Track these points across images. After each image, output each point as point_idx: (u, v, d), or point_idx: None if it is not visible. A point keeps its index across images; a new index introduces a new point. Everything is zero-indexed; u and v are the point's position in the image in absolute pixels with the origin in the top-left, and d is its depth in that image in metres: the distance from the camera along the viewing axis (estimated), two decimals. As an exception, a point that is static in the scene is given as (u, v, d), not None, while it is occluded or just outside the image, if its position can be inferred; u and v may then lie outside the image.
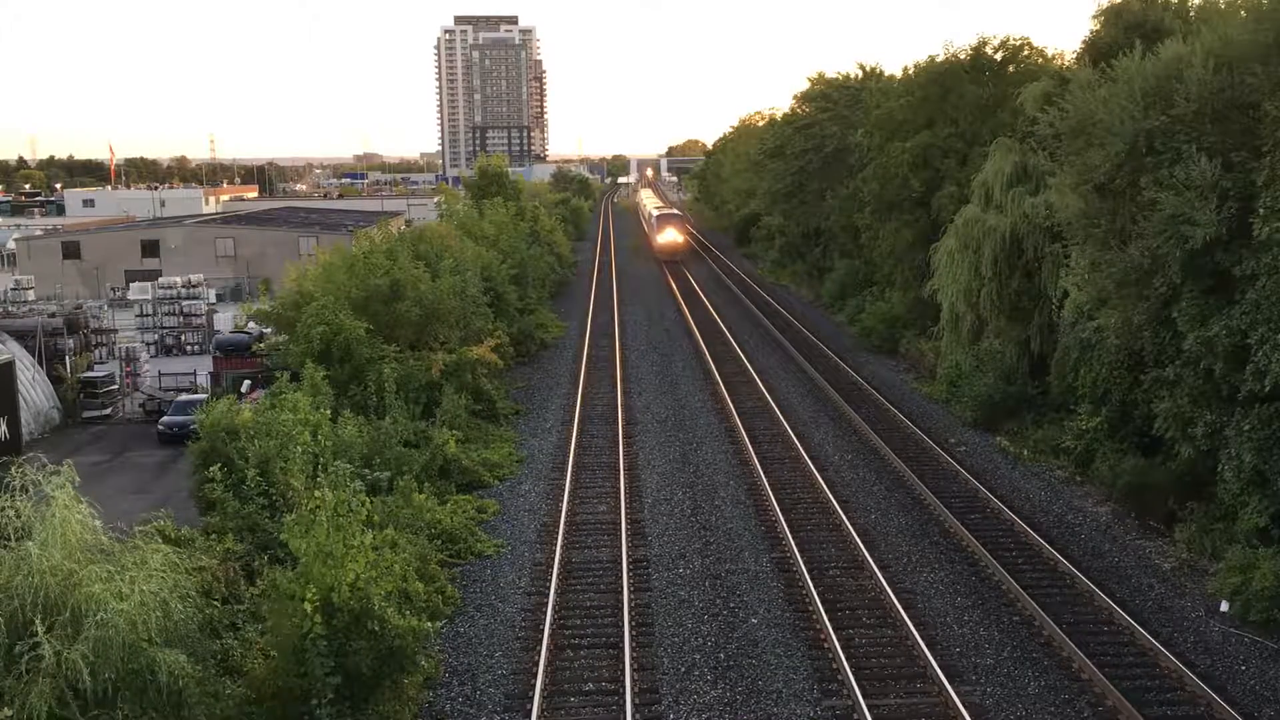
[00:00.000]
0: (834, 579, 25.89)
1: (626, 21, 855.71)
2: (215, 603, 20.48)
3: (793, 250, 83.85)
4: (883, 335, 54.27)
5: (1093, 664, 21.07)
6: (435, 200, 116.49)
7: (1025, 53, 49.69)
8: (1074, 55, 42.95)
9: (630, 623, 23.36)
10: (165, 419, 40.25)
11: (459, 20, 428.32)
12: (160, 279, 64.84)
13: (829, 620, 23.21)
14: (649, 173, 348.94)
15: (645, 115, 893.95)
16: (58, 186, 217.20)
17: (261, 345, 41.61)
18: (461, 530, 28.57)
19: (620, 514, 30.36)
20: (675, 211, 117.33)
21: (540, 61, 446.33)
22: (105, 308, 59.33)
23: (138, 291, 63.18)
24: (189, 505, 26.56)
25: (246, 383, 38.81)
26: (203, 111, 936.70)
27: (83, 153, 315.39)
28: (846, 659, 21.48)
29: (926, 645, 22.02)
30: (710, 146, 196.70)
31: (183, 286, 61.35)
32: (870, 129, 57.48)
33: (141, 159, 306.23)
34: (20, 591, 15.42)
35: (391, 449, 31.14)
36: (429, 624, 20.42)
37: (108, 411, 44.15)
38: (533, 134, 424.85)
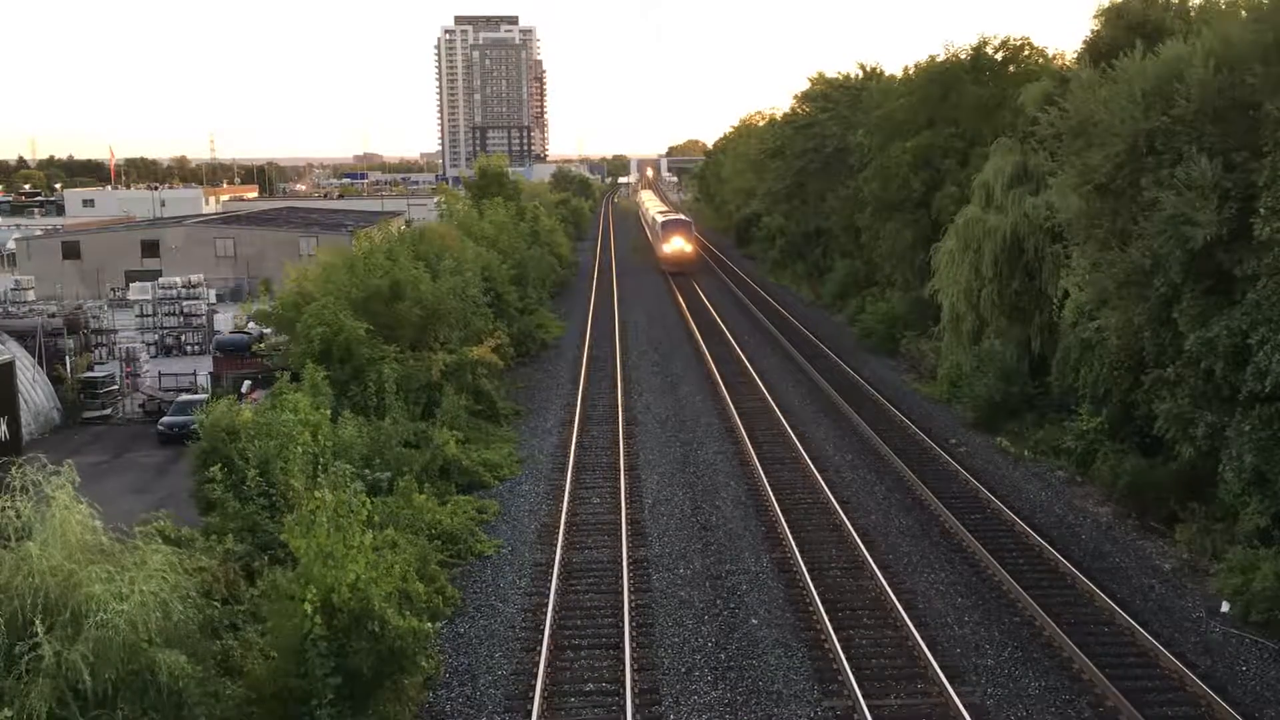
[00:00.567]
0: (834, 579, 25.87)
1: (627, 22, 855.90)
2: (215, 603, 20.43)
3: (793, 250, 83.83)
4: (883, 335, 54.24)
5: (1093, 664, 21.06)
6: (435, 200, 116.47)
7: (1026, 53, 49.72)
8: (1074, 55, 42.92)
9: (630, 623, 23.34)
10: (165, 419, 40.26)
11: (459, 20, 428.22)
12: (160, 279, 64.84)
13: (829, 621, 23.19)
14: (649, 173, 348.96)
15: (645, 115, 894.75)
16: (57, 186, 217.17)
17: (261, 345, 41.59)
18: (462, 531, 28.55)
19: (620, 514, 30.35)
20: (682, 217, 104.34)
21: (540, 61, 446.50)
22: (105, 308, 59.32)
23: (138, 292, 63.21)
24: (189, 505, 26.52)
25: (247, 383, 38.81)
26: (203, 111, 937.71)
27: (83, 153, 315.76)
28: (847, 659, 21.46)
29: (927, 646, 22.00)
30: (710, 146, 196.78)
31: (183, 287, 61.36)
32: (870, 129, 57.52)
33: (141, 159, 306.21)
34: (20, 592, 15.39)
35: (392, 449, 31.12)
36: (429, 625, 20.39)
37: (108, 412, 44.15)
38: (533, 134, 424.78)
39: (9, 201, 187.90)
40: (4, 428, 35.22)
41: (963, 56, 50.27)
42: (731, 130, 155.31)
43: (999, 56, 49.98)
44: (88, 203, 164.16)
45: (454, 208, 77.54)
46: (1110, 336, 30.12)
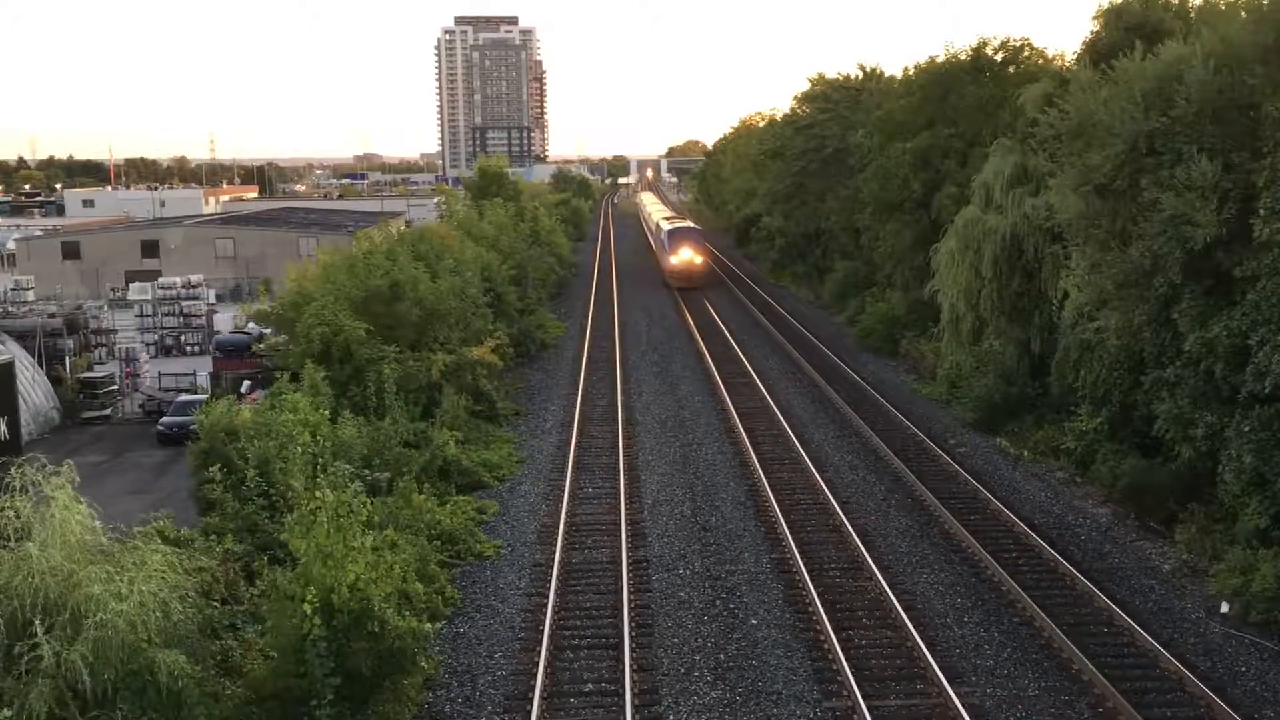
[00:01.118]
0: (834, 580, 25.87)
1: (626, 22, 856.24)
2: (215, 603, 20.46)
3: (793, 251, 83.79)
4: (883, 336, 54.25)
5: (1093, 665, 21.06)
6: (435, 201, 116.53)
7: (1025, 54, 49.69)
8: (1074, 56, 42.94)
9: (630, 623, 23.34)
10: (165, 419, 40.24)
11: (459, 21, 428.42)
12: (160, 279, 64.82)
13: (829, 621, 23.20)
14: (649, 174, 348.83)
15: (645, 116, 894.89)
16: (57, 187, 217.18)
17: (261, 346, 41.58)
18: (461, 531, 28.56)
19: (620, 515, 30.35)
20: (690, 225, 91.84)
21: (540, 62, 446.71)
22: (105, 308, 59.35)
23: (137, 292, 63.14)
24: (189, 506, 26.55)
25: (246, 383, 38.78)
26: (203, 111, 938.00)
27: (83, 153, 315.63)
28: (846, 660, 21.47)
29: (926, 646, 22.00)
30: (710, 147, 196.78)
31: (182, 287, 61.34)
32: (870, 130, 57.50)
33: (141, 159, 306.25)
34: (20, 592, 15.40)
35: (391, 450, 31.12)
36: (429, 625, 20.42)
37: (107, 412, 44.13)
38: (533, 135, 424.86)
39: (9, 202, 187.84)
40: (4, 428, 35.21)
41: (962, 57, 50.25)
42: (731, 131, 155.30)
43: (999, 57, 49.96)
44: (87, 203, 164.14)
45: (454, 208, 77.62)
46: (1110, 337, 30.11)
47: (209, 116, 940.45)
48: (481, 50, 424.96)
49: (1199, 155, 25.44)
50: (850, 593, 25.17)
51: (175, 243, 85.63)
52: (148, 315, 59.99)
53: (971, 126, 48.07)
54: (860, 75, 72.93)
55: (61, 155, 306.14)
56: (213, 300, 64.56)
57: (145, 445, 39.47)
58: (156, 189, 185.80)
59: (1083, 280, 30.98)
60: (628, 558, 27.18)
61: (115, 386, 45.87)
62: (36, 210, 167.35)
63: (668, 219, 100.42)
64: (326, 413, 28.96)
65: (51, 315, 48.12)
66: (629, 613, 23.85)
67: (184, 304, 60.25)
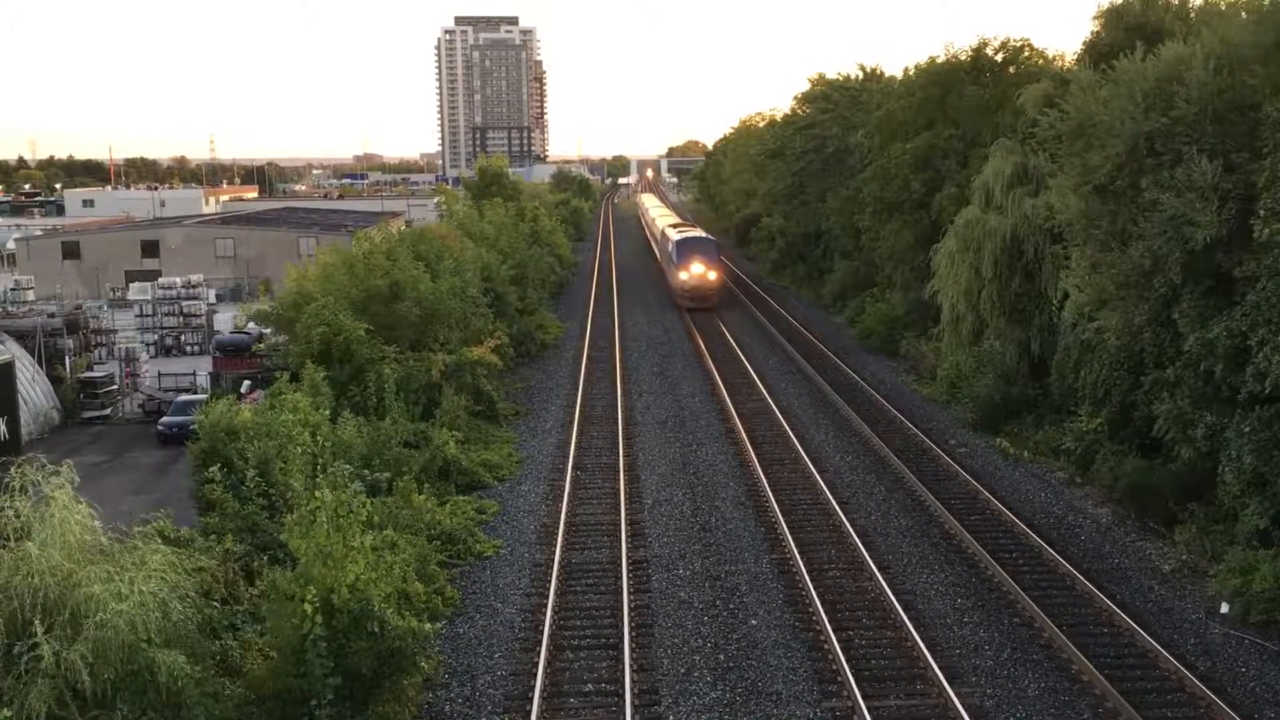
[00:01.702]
0: (834, 580, 25.86)
1: (627, 22, 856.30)
2: (214, 603, 20.46)
3: (793, 251, 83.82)
4: (883, 336, 54.26)
5: (1093, 665, 21.05)
6: (435, 201, 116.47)
7: (1026, 54, 49.70)
8: (1074, 57, 42.96)
9: (630, 624, 23.33)
10: (165, 419, 40.23)
11: (459, 21, 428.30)
12: (160, 279, 64.86)
13: (829, 621, 23.19)
14: (649, 174, 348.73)
15: (645, 116, 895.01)
16: (58, 187, 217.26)
17: (261, 346, 41.57)
18: (461, 531, 28.54)
19: (620, 515, 30.34)
20: (703, 234, 78.74)
21: (540, 62, 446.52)
22: (105, 308, 59.31)
23: (137, 292, 63.19)
24: (189, 505, 26.53)
25: (246, 383, 38.79)
26: (203, 111, 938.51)
27: (83, 153, 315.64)
28: (846, 660, 21.46)
29: (926, 647, 22.00)
30: (710, 147, 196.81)
31: (182, 287, 61.35)
32: (871, 130, 57.51)
33: (141, 159, 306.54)
34: (20, 592, 15.40)
35: (391, 450, 31.12)
36: (428, 625, 20.42)
37: (107, 412, 44.12)
38: (533, 134, 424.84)
39: (9, 201, 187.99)
40: (3, 427, 35.22)
41: (963, 58, 50.26)
42: (731, 131, 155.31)
43: (999, 58, 49.97)
44: (88, 203, 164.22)
45: (454, 208, 77.57)
46: (1110, 337, 30.12)
47: (209, 116, 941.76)
48: (481, 50, 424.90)
49: (1199, 156, 25.44)
50: (850, 593, 25.16)
51: (175, 243, 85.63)
52: (148, 315, 60.01)
53: (972, 127, 48.08)
54: (860, 75, 73.02)
55: (61, 155, 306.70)
56: (213, 300, 64.56)
57: (145, 445, 39.46)
58: (156, 189, 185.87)
59: (1083, 280, 30.96)
60: (627, 558, 27.17)
61: (115, 386, 45.86)
62: (36, 210, 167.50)
63: (675, 226, 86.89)
64: (326, 413, 28.97)
65: (51, 315, 48.11)
66: (629, 613, 23.84)
67: (184, 304, 60.26)
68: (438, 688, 21.16)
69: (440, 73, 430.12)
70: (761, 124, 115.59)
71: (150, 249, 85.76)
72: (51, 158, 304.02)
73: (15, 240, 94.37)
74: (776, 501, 31.03)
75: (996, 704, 20.31)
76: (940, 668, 21.13)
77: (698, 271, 69.47)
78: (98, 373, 46.33)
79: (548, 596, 24.76)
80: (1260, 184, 24.22)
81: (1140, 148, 27.29)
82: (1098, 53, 36.13)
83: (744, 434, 38.32)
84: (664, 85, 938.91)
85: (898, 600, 24.23)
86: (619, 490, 32.52)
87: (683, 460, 36.14)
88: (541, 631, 23.03)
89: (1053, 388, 36.34)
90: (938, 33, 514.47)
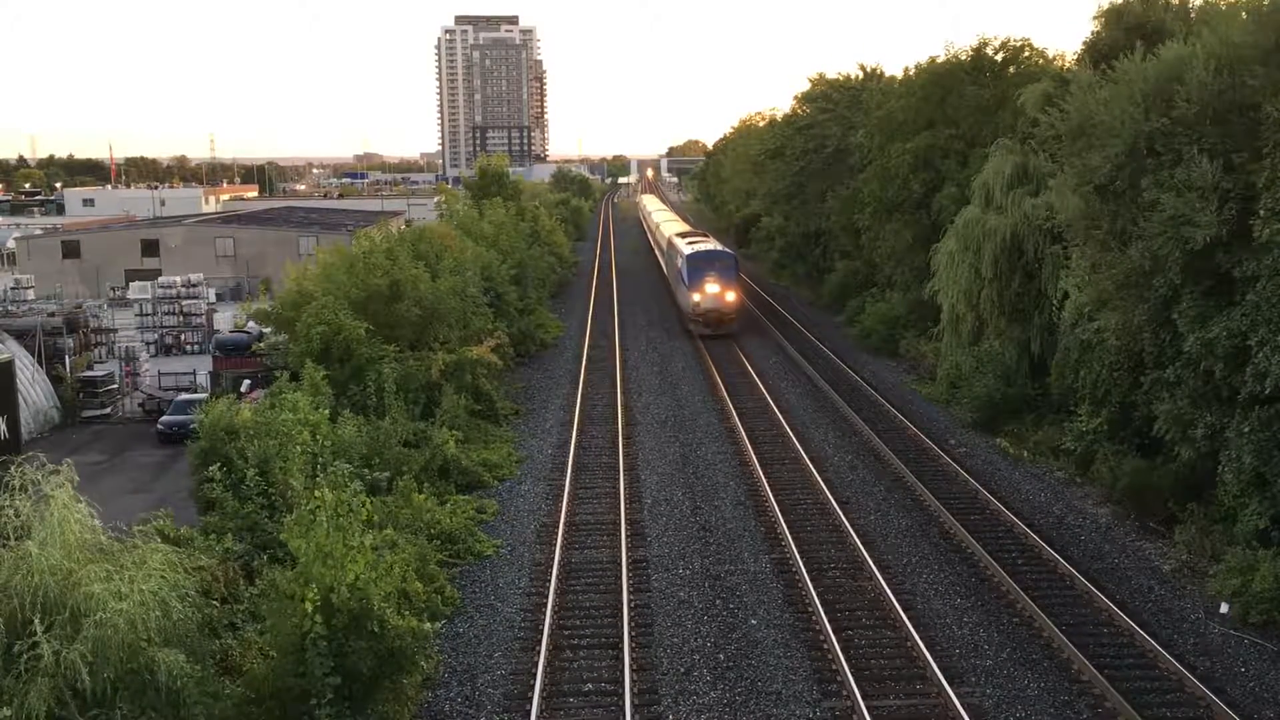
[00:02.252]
0: (833, 580, 25.86)
1: (627, 22, 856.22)
2: (214, 602, 20.44)
3: (793, 251, 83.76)
4: (883, 336, 54.24)
5: (1092, 665, 21.06)
6: (435, 200, 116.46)
7: (1026, 54, 49.72)
8: (1075, 57, 42.96)
9: (630, 623, 23.34)
10: (165, 418, 40.25)
11: (459, 20, 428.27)
12: (160, 278, 64.86)
13: (828, 621, 23.19)
14: (649, 173, 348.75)
15: (645, 115, 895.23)
16: (58, 186, 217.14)
17: (261, 345, 41.58)
18: (461, 531, 28.55)
19: (620, 515, 30.35)
20: (717, 246, 67.06)
21: (540, 62, 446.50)
22: (105, 307, 59.35)
23: (137, 291, 63.19)
24: (189, 505, 26.53)
25: (246, 382, 38.79)
26: (203, 111, 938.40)
27: (83, 152, 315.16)
28: (846, 660, 21.46)
29: (926, 646, 22.00)
30: (710, 147, 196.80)
31: (182, 286, 61.37)
32: (871, 130, 57.49)
33: (141, 158, 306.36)
34: (19, 591, 15.38)
35: (391, 449, 31.10)
36: (428, 624, 20.39)
37: (107, 411, 44.14)
38: (533, 134, 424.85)
39: (9, 201, 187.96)
40: (3, 427, 35.20)
41: (963, 58, 50.27)
42: (731, 131, 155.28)
43: (999, 58, 49.98)
44: (88, 202, 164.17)
45: (454, 208, 77.51)
46: (1110, 337, 30.10)
47: (209, 116, 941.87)
48: (482, 50, 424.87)
49: (1199, 156, 25.43)
50: (850, 593, 25.17)
51: (175, 242, 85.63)
52: (148, 314, 60.05)
53: (971, 127, 48.08)
54: (860, 75, 72.92)
55: (62, 154, 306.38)
56: (213, 299, 64.59)
57: (145, 444, 39.47)
58: (157, 188, 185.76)
59: (1083, 280, 30.96)
60: (627, 557, 27.18)
61: (115, 385, 45.88)
62: (36, 209, 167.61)
63: (684, 236, 73.55)
64: (326, 412, 28.94)
65: (51, 314, 48.15)
66: (628, 612, 23.85)
67: (184, 303, 60.28)
68: (437, 687, 21.17)
69: (440, 72, 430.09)
70: (761, 124, 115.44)
71: (150, 248, 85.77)
72: (52, 157, 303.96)
73: (15, 239, 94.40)
74: (776, 501, 31.03)
75: (996, 704, 20.32)
76: (940, 667, 21.13)
77: (713, 292, 58.26)
78: (98, 372, 46.36)
79: (547, 596, 24.77)
80: (1260, 184, 24.21)
81: (1140, 148, 27.28)
82: (1098, 53, 36.14)
83: (744, 433, 38.33)
84: (664, 85, 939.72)
85: (897, 600, 24.24)
86: (619, 490, 32.53)
87: (682, 460, 36.14)
88: (541, 631, 23.04)
89: (1052, 388, 36.34)
90: (938, 33, 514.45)
